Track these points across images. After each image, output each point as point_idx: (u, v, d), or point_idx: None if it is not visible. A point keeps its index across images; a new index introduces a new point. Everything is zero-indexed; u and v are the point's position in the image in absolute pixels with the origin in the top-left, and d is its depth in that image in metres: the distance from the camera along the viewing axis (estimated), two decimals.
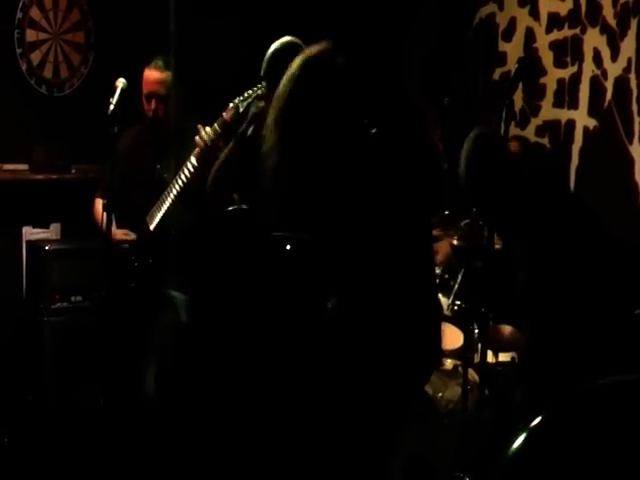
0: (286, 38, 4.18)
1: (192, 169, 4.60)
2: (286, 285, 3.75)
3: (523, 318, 3.82)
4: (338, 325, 3.22)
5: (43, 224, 5.72)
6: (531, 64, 5.17)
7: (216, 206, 4.44)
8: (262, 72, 4.22)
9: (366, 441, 3.17)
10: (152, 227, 4.74)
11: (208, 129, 4.53)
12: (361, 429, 3.17)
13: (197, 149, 4.55)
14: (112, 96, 4.32)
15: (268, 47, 5.53)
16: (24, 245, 5.62)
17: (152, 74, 4.80)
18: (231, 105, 4.53)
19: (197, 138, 4.53)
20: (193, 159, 4.58)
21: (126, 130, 4.75)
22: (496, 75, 5.78)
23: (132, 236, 4.80)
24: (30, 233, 5.66)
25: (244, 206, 4.42)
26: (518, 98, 5.45)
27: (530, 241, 3.76)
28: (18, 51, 5.65)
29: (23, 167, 5.64)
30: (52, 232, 5.75)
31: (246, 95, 4.52)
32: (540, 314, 3.67)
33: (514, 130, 5.42)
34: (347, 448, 3.15)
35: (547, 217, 3.73)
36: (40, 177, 5.61)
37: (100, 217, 4.42)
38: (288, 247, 3.76)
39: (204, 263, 4.66)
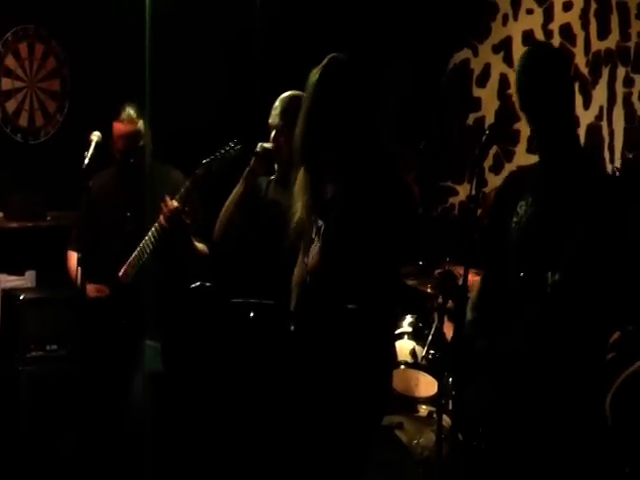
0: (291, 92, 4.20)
1: (160, 232, 4.58)
2: (251, 349, 3.78)
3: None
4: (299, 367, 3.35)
5: (18, 271, 5.69)
6: (501, 128, 5.10)
7: (224, 252, 4.43)
8: (276, 116, 4.18)
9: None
10: (126, 281, 4.72)
11: (173, 201, 4.51)
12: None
13: (161, 216, 4.54)
14: (87, 149, 4.26)
15: (241, 96, 5.58)
16: None
17: (123, 127, 4.69)
18: (204, 162, 4.51)
19: (162, 205, 4.52)
20: (157, 225, 4.57)
21: (97, 174, 4.58)
22: (470, 120, 5.82)
23: (106, 292, 4.75)
24: (5, 280, 5.62)
25: (207, 284, 4.44)
26: None
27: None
28: None
29: None
30: (27, 279, 5.70)
31: (218, 155, 4.49)
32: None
33: (488, 175, 5.47)
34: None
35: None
36: (15, 225, 5.58)
37: (74, 271, 4.39)
38: (251, 314, 3.79)
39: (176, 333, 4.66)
